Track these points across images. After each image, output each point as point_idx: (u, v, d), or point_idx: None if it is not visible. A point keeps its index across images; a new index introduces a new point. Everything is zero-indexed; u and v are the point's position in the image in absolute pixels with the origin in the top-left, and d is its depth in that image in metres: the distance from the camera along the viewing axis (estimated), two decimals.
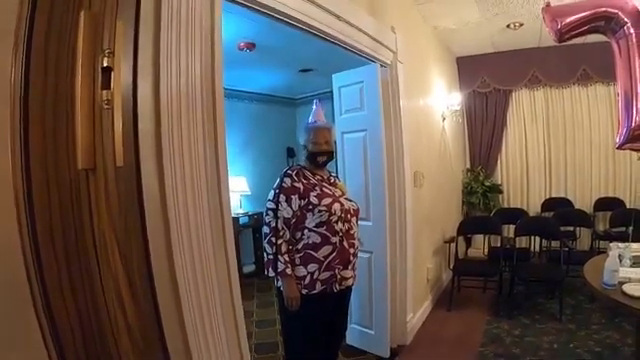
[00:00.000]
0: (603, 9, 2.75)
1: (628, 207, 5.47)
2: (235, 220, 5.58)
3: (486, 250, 5.34)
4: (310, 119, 2.70)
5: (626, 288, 2.30)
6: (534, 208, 6.21)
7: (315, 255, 2.42)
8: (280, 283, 2.42)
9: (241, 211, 6.13)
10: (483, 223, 5.27)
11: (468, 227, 5.32)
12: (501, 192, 6.40)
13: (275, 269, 2.35)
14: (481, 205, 6.18)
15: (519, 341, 3.62)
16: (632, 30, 2.69)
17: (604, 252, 3.25)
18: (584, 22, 2.81)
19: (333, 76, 3.68)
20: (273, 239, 2.36)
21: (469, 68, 6.40)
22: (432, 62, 5.04)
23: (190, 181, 1.37)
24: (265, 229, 2.42)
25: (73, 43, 0.84)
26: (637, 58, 2.69)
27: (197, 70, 1.42)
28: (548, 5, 2.95)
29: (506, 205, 6.40)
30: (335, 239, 2.46)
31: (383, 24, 3.34)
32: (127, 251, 0.98)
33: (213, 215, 1.51)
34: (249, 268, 6.27)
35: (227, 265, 1.61)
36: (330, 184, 2.62)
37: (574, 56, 5.66)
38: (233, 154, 6.13)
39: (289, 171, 2.51)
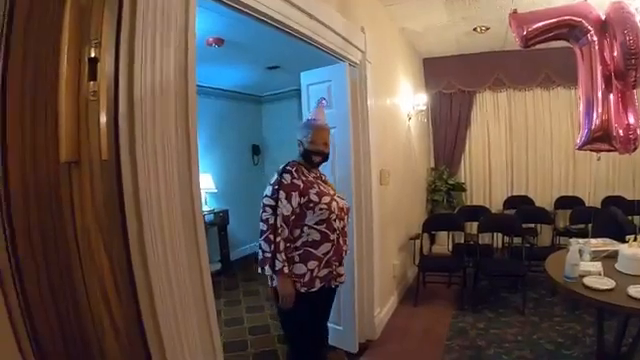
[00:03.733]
0: (568, 17, 2.88)
1: (587, 205, 5.70)
2: None
3: (450, 246, 5.48)
4: (310, 116, 2.65)
5: (586, 281, 2.41)
6: (496, 206, 6.39)
7: (315, 252, 2.40)
8: (275, 282, 2.37)
9: (207, 208, 6.03)
10: (447, 220, 5.36)
11: (432, 224, 5.41)
12: (464, 190, 6.56)
13: (273, 267, 2.29)
14: (445, 203, 6.30)
15: (484, 333, 3.72)
16: (595, 38, 2.82)
17: (564, 248, 3.38)
18: (549, 29, 2.93)
19: (302, 74, 3.66)
20: (271, 236, 2.29)
21: (435, 69, 6.50)
22: (399, 63, 5.10)
23: (163, 175, 1.33)
24: (262, 226, 2.34)
25: (57, 33, 0.81)
26: (599, 64, 2.82)
27: (171, 62, 1.37)
28: (515, 12, 3.04)
29: (469, 203, 6.55)
30: (333, 236, 2.44)
31: (353, 24, 3.36)
32: (111, 248, 0.94)
33: (185, 210, 1.47)
34: (215, 266, 6.17)
35: (199, 259, 1.56)
36: (323, 182, 2.61)
37: (537, 60, 5.84)
38: (199, 151, 6.00)
39: (288, 167, 2.45)
